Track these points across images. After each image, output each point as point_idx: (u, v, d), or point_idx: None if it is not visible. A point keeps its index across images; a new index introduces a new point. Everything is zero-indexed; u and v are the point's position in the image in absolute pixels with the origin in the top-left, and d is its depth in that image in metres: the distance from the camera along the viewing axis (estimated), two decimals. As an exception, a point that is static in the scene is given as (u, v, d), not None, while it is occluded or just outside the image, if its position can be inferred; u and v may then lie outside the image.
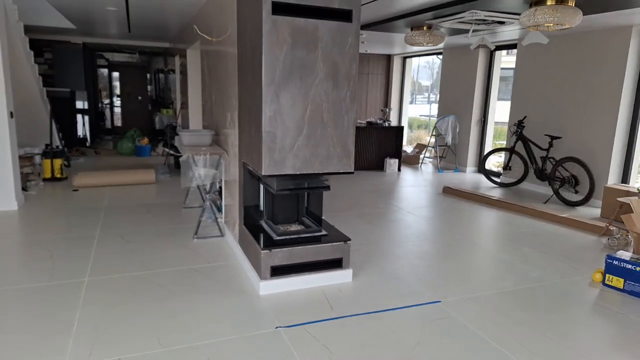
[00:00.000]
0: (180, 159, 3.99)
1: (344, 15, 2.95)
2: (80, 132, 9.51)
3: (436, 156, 8.24)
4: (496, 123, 8.02)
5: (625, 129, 5.53)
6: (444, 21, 4.79)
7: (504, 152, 6.93)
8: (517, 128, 6.43)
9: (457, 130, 7.87)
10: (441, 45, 5.76)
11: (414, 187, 6.86)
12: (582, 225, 4.81)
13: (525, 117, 6.48)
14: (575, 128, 5.88)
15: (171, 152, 7.01)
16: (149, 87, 12.58)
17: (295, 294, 3.13)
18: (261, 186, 3.58)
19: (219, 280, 3.31)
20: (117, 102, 12.70)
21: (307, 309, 2.92)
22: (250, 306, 2.95)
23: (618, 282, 3.31)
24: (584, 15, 4.21)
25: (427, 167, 8.54)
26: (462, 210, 5.53)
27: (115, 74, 12.42)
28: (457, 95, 7.99)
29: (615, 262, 3.31)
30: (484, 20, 4.62)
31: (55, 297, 2.97)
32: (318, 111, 3.02)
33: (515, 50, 6.86)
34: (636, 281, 3.21)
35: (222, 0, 4.00)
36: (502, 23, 4.89)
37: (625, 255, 3.36)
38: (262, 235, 3.34)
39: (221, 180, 4.27)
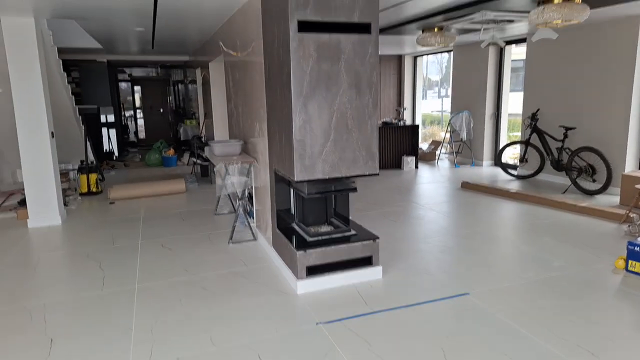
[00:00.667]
0: (215, 169, 4.26)
1: (363, 28, 3.17)
2: (106, 146, 9.91)
3: (452, 152, 8.38)
4: (509, 115, 8.14)
5: (639, 116, 5.61)
6: (454, 23, 4.97)
7: (519, 145, 7.04)
8: (531, 121, 6.55)
9: (472, 125, 8.00)
10: (451, 44, 5.92)
11: (432, 183, 7.03)
12: (602, 213, 4.92)
13: (538, 109, 6.59)
14: (589, 118, 5.98)
15: (198, 161, 7.31)
16: (169, 99, 12.97)
17: (330, 292, 3.35)
18: (292, 190, 3.81)
19: (258, 282, 3.56)
20: (139, 114, 13.13)
21: (343, 305, 3.14)
22: (290, 305, 3.18)
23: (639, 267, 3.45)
24: (591, 9, 4.33)
25: (444, 163, 8.68)
26: (481, 204, 5.68)
27: (137, 87, 12.85)
28: (470, 90, 8.13)
29: (637, 249, 3.45)
30: (494, 19, 4.78)
31: (111, 304, 3.25)
32: (343, 118, 3.24)
33: (524, 43, 6.98)
34: (656, 265, 3.34)
35: (246, 17, 4.25)
36: (511, 21, 5.04)
37: (645, 240, 3.49)
38: (296, 237, 3.57)
39: (251, 187, 4.51)
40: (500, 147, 7.73)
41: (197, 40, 7.06)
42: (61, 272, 3.89)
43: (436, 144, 8.88)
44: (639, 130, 5.65)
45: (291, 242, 3.49)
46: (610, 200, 5.60)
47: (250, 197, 4.73)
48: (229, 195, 5.49)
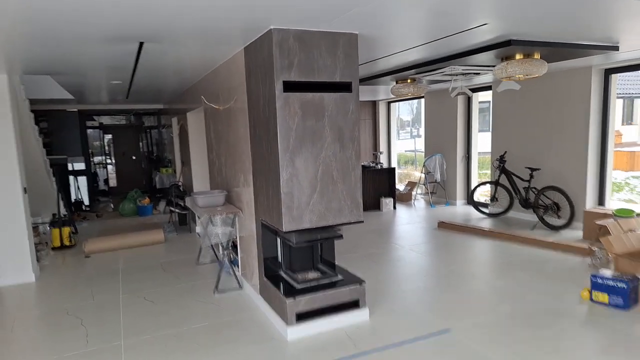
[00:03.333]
0: (199, 221, 4.32)
1: (345, 87, 3.42)
2: (75, 195, 9.71)
3: (427, 192, 8.70)
4: (479, 153, 8.59)
5: (596, 157, 6.07)
6: (426, 75, 5.35)
7: (489, 185, 7.42)
8: (500, 163, 6.95)
9: (445, 167, 8.39)
10: (409, 94, 6.34)
11: (410, 224, 7.25)
12: (568, 247, 5.22)
13: (505, 152, 7.02)
14: (552, 159, 6.41)
15: (176, 210, 7.30)
16: (142, 146, 12.94)
17: (320, 336, 3.41)
18: (279, 239, 3.92)
19: (247, 331, 3.58)
20: (109, 161, 13.01)
21: (333, 349, 3.21)
22: (282, 351, 3.22)
23: (603, 297, 3.68)
24: (548, 63, 4.77)
25: (420, 203, 8.98)
26: (457, 243, 5.91)
27: (107, 135, 12.79)
28: (441, 134, 8.56)
29: (600, 280, 3.70)
30: (462, 72, 5.18)
31: (100, 361, 3.20)
32: (328, 170, 3.43)
33: (490, 90, 7.49)
34: (618, 295, 3.58)
35: (229, 72, 4.47)
36: (477, 74, 5.47)
37: (607, 273, 3.75)
38: (284, 284, 3.65)
39: (236, 236, 4.58)
40: (472, 187, 8.09)
41: (174, 90, 7.23)
42: (41, 332, 3.79)
43: (412, 184, 9.20)
44: (596, 170, 6.10)
45: (280, 289, 3.56)
46: (574, 234, 5.94)
47: (234, 245, 4.79)
48: (212, 246, 5.51)
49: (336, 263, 4.09)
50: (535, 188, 6.46)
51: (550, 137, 6.43)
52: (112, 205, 10.14)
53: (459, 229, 6.49)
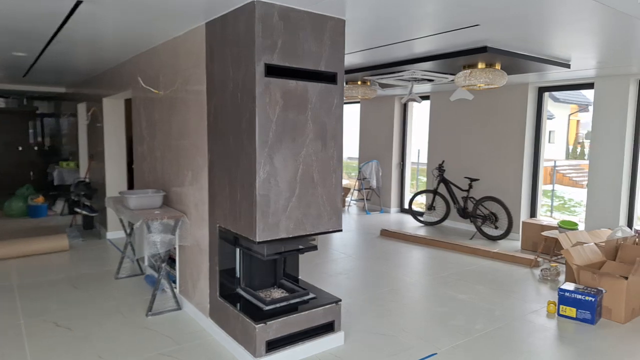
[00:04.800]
0: (134, 226, 3.54)
1: (330, 78, 2.97)
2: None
3: (362, 198, 8.53)
4: (412, 163, 8.64)
5: (529, 170, 6.34)
6: (382, 78, 5.10)
7: (426, 194, 7.44)
8: (439, 172, 6.98)
9: (380, 173, 8.28)
10: (372, 97, 6.10)
11: (350, 231, 6.96)
12: (513, 258, 5.31)
13: (443, 161, 7.08)
14: (490, 170, 6.58)
15: (84, 212, 6.19)
16: (33, 136, 11.08)
17: (293, 368, 2.90)
18: (238, 250, 3.32)
19: (201, 364, 2.94)
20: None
21: (314, 384, 2.73)
22: (252, 390, 2.66)
23: (571, 311, 3.68)
24: (508, 75, 4.81)
25: (353, 209, 8.77)
26: (405, 253, 5.74)
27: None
28: (377, 141, 8.46)
29: (567, 294, 3.69)
30: (415, 78, 5.01)
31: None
32: (309, 171, 2.95)
33: (428, 100, 7.54)
34: (586, 309, 3.60)
35: (176, 52, 3.76)
36: (431, 80, 5.36)
37: (572, 286, 3.76)
38: (247, 306, 3.07)
39: (175, 246, 3.86)
40: (409, 195, 8.09)
41: (88, 71, 6.15)
42: None
43: (346, 191, 8.97)
44: (530, 182, 6.36)
45: (245, 313, 2.98)
46: (512, 245, 6.11)
47: (171, 257, 4.05)
48: (133, 250, 4.66)
49: (300, 278, 3.61)
50: (473, 198, 6.57)
51: (489, 149, 6.60)
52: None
53: (402, 237, 6.35)
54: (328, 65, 2.96)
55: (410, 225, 7.41)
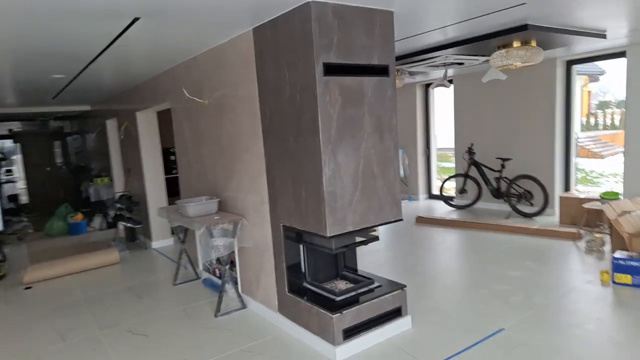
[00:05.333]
0: (197, 232, 3.67)
1: (382, 71, 3.06)
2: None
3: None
4: (438, 149, 8.70)
5: (561, 145, 6.37)
6: (414, 65, 5.16)
7: (457, 178, 7.49)
8: (469, 155, 7.03)
9: (407, 162, 8.35)
10: (401, 86, 6.17)
11: (383, 222, 7.04)
12: (555, 233, 5.36)
13: (472, 144, 7.11)
14: (522, 149, 6.61)
15: (129, 224, 6.36)
16: (63, 155, 11.32)
17: (372, 353, 3.02)
18: (302, 246, 3.43)
19: (280, 357, 3.06)
20: (17, 175, 11.21)
21: (396, 367, 2.84)
22: (339, 377, 2.77)
23: (626, 278, 3.74)
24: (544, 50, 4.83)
25: (382, 200, 8.85)
26: (446, 237, 5.82)
27: (11, 142, 11.00)
28: (401, 130, 8.51)
29: (622, 262, 3.75)
30: (453, 62, 5.07)
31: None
32: (369, 164, 3.04)
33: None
34: (643, 275, 3.66)
35: (220, 61, 3.87)
36: (461, 64, 5.41)
37: (625, 254, 3.82)
38: (321, 299, 3.19)
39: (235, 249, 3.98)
40: (436, 181, 8.14)
41: (117, 87, 6.29)
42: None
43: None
44: (562, 157, 6.39)
45: (318, 305, 3.09)
46: (549, 220, 6.16)
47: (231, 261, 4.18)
48: (189, 261, 4.81)
49: (359, 269, 3.71)
50: (507, 178, 6.61)
51: (519, 128, 6.63)
52: (31, 225, 8.67)
53: (439, 223, 6.43)
54: (380, 58, 3.05)
55: (442, 210, 7.47)
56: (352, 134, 2.95)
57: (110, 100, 7.42)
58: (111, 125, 7.77)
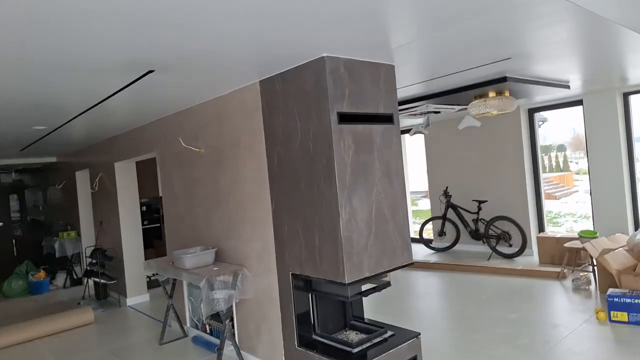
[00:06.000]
0: (200, 284, 3.49)
1: (388, 119, 3.17)
2: None
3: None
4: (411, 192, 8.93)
5: (532, 187, 6.71)
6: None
7: (434, 221, 7.65)
8: (445, 197, 7.25)
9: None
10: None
11: (366, 268, 7.01)
12: (538, 273, 5.53)
13: (447, 187, 7.36)
14: (495, 191, 6.89)
15: (103, 280, 5.97)
16: (13, 209, 10.61)
17: (392, 406, 2.91)
18: (309, 296, 3.34)
19: (299, 416, 2.89)
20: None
21: (422, 418, 2.74)
22: None
23: (622, 316, 3.88)
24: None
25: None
26: (433, 281, 5.85)
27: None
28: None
29: (617, 299, 3.90)
30: (432, 111, 5.33)
31: None
32: (380, 208, 3.08)
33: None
34: (638, 312, 3.81)
35: (224, 107, 3.88)
36: (438, 112, 5.69)
37: (617, 292, 3.98)
38: (336, 352, 3.07)
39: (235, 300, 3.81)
40: (412, 225, 8.26)
41: (94, 138, 6.09)
42: None
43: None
44: (534, 199, 6.72)
45: (336, 357, 2.98)
46: (529, 260, 6.35)
47: (218, 314, 3.99)
48: (176, 317, 4.55)
49: (366, 318, 3.64)
50: (484, 219, 6.84)
51: (491, 171, 6.94)
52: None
53: (424, 266, 6.48)
54: (385, 107, 3.16)
55: (422, 253, 7.55)
56: (365, 179, 2.99)
57: (82, 151, 7.16)
58: (81, 176, 7.45)
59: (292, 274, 3.28)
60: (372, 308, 4.95)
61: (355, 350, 3.05)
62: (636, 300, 3.80)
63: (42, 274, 7.35)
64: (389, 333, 3.29)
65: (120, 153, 5.90)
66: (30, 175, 10.56)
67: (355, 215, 2.91)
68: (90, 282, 6.51)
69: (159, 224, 7.86)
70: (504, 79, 4.13)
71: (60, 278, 7.68)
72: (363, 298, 3.65)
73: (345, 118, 2.89)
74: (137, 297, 6.12)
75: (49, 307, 6.18)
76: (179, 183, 4.62)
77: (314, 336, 3.32)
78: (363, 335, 3.27)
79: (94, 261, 6.18)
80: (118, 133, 5.76)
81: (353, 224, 2.90)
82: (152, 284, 6.57)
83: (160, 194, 7.76)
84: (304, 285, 3.27)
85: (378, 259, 3.03)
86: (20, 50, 2.26)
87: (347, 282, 2.84)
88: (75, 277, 7.61)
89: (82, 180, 7.48)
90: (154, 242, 7.53)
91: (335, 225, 2.86)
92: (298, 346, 3.26)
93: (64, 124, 4.65)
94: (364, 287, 3.21)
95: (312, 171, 3.01)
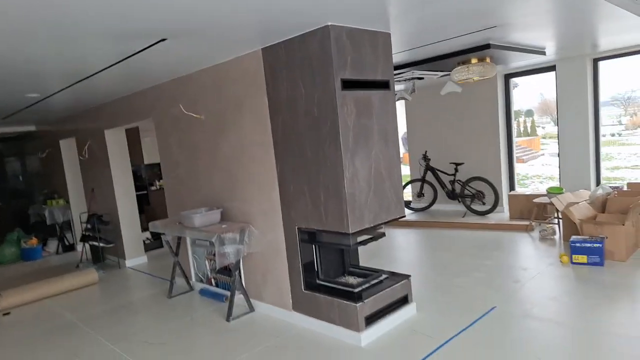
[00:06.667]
0: (213, 240, 3.81)
1: (385, 85, 3.48)
2: None
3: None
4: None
5: (505, 149, 7.21)
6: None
7: (414, 183, 8.11)
8: (425, 161, 7.69)
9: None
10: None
11: (351, 227, 7.46)
12: (510, 226, 6.10)
13: (426, 151, 7.79)
14: (472, 154, 7.37)
15: (101, 244, 6.19)
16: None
17: (388, 337, 3.36)
18: (313, 247, 3.71)
19: (306, 348, 3.31)
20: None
21: (413, 344, 3.21)
22: (367, 358, 3.09)
23: (583, 258, 4.44)
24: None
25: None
26: (415, 237, 6.35)
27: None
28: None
29: (578, 245, 4.45)
30: (417, 77, 5.65)
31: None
32: (378, 168, 3.43)
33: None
34: (595, 254, 4.37)
35: (226, 73, 4.08)
36: (421, 79, 6.02)
37: (579, 238, 4.53)
38: (340, 293, 3.48)
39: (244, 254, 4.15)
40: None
41: (81, 106, 6.14)
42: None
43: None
44: (506, 160, 7.24)
45: (340, 297, 3.40)
46: (500, 216, 6.92)
47: (226, 267, 4.33)
48: (181, 270, 4.87)
49: (362, 265, 4.06)
50: (460, 180, 7.33)
51: (468, 134, 7.39)
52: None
53: (404, 224, 6.97)
54: (383, 74, 3.46)
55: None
56: (365, 142, 3.32)
57: (66, 119, 7.16)
58: (67, 145, 7.49)
59: (298, 228, 3.63)
60: (363, 260, 5.40)
61: (357, 290, 3.47)
62: (595, 245, 4.36)
63: (34, 240, 7.47)
64: (384, 276, 3.73)
65: (110, 120, 6.00)
66: (7, 144, 10.38)
67: (357, 174, 3.26)
68: (87, 247, 6.70)
69: (145, 191, 8.04)
70: (487, 46, 4.46)
71: (52, 245, 7.82)
72: (358, 249, 4.09)
73: (348, 84, 3.18)
74: (135, 259, 6.38)
75: (45, 272, 6.37)
76: (178, 148, 4.84)
77: (318, 281, 3.72)
78: (361, 279, 3.70)
79: (90, 226, 6.36)
80: (108, 100, 5.85)
81: (355, 182, 3.25)
82: (147, 247, 6.83)
83: (146, 162, 7.97)
84: (308, 237, 3.63)
85: (376, 213, 3.41)
86: (36, 14, 2.38)
87: (350, 232, 3.22)
88: (67, 243, 7.77)
89: (68, 148, 7.52)
90: (144, 207, 7.73)
91: (340, 183, 3.20)
92: (305, 290, 3.66)
93: (58, 92, 4.73)
94: (360, 239, 3.60)
95: (316, 134, 3.31)
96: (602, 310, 3.45)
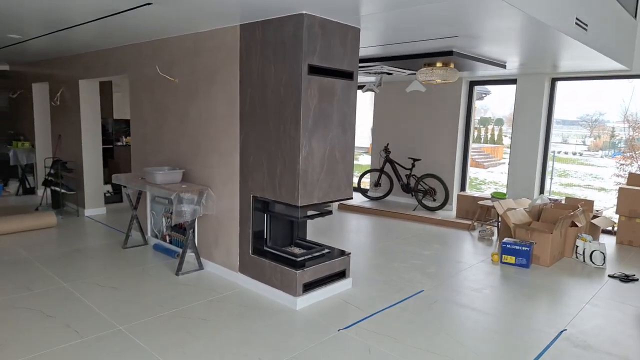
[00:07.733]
0: (172, 197, 4.05)
1: (349, 75, 3.77)
2: None
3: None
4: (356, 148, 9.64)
5: (461, 152, 7.68)
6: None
7: (373, 172, 8.51)
8: (385, 153, 8.08)
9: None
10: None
11: (310, 206, 7.81)
12: (454, 224, 6.57)
13: (388, 144, 8.17)
14: (429, 152, 7.80)
15: (63, 190, 6.29)
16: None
17: (322, 304, 3.72)
18: (266, 215, 4.02)
19: (248, 305, 3.64)
20: None
21: (343, 313, 3.58)
22: (300, 319, 3.44)
23: (511, 259, 4.92)
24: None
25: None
26: (365, 222, 6.75)
27: None
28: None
29: (509, 246, 4.92)
30: (385, 72, 5.97)
31: (109, 350, 2.89)
32: (333, 151, 3.75)
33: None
34: (522, 257, 4.86)
35: (204, 43, 4.27)
36: (390, 74, 6.34)
37: (510, 240, 5.01)
38: (283, 259, 3.81)
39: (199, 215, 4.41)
40: (356, 175, 9.09)
41: (57, 52, 6.16)
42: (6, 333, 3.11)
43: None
44: (461, 162, 7.71)
45: (283, 263, 3.73)
46: (448, 214, 7.41)
47: (179, 226, 4.59)
48: (139, 226, 5.09)
49: (308, 239, 4.40)
50: (415, 175, 7.77)
51: (428, 133, 7.81)
52: None
53: (358, 210, 7.36)
54: (348, 65, 3.75)
55: (358, 200, 8.46)
56: (324, 125, 3.62)
57: (41, 63, 7.14)
58: (39, 88, 7.46)
59: (252, 196, 3.92)
60: (313, 236, 5.76)
61: (299, 259, 3.80)
62: (523, 248, 4.84)
63: (-7, 179, 7.46)
64: (326, 250, 4.08)
65: (85, 71, 6.07)
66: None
67: (312, 153, 3.56)
68: (48, 192, 6.78)
69: (111, 145, 8.11)
70: (450, 53, 4.81)
71: (13, 186, 7.83)
72: (307, 222, 4.42)
73: (314, 70, 3.46)
74: (94, 209, 6.52)
75: (2, 210, 6.43)
76: (149, 107, 5.00)
77: (265, 248, 4.04)
78: (305, 250, 4.04)
79: (54, 172, 6.44)
80: (86, 51, 5.91)
81: (310, 160, 3.55)
82: (107, 199, 6.97)
83: (115, 117, 8.03)
84: (261, 206, 3.93)
85: (326, 191, 3.74)
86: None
87: (299, 205, 3.53)
88: (28, 186, 7.78)
89: (40, 92, 7.50)
90: (109, 161, 7.81)
91: (295, 160, 3.50)
92: (252, 254, 3.97)
93: (39, 37, 4.80)
94: (309, 214, 3.93)
95: (280, 112, 3.59)
96: (519, 305, 3.90)
